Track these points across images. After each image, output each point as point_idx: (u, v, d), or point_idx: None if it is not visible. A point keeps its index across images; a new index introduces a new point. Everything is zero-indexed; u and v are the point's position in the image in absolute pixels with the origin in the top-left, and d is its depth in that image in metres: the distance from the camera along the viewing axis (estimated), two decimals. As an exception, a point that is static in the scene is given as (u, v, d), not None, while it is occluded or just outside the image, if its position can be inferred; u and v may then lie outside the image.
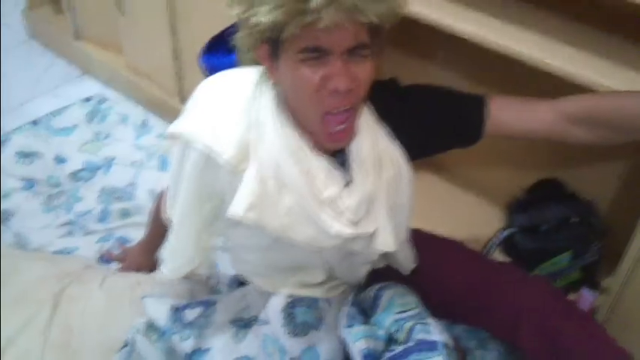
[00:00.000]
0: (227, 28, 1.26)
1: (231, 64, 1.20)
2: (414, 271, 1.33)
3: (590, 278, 1.55)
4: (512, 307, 1.27)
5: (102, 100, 2.26)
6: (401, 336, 1.25)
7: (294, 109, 1.07)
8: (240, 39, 1.05)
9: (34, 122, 2.13)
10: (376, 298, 1.33)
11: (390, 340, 1.27)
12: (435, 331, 1.24)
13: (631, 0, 1.13)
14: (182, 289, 1.46)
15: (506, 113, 1.17)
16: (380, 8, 0.95)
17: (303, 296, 1.28)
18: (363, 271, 1.31)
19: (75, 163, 1.98)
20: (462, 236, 1.66)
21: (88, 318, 1.36)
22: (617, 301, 1.39)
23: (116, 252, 1.65)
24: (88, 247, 1.69)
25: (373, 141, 1.11)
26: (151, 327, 1.32)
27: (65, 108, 2.21)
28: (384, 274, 1.36)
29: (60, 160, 1.99)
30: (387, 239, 1.15)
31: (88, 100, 2.26)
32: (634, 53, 1.30)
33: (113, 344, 1.32)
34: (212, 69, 1.32)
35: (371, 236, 1.15)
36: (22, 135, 2.05)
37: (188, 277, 1.53)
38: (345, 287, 1.34)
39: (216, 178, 1.09)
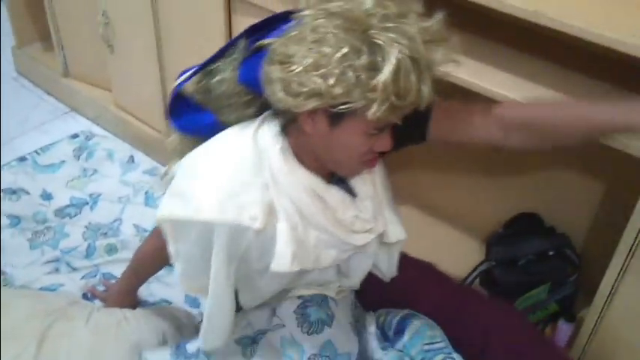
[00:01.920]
0: (182, 82, 1.24)
1: (206, 122, 1.23)
2: (389, 285, 1.39)
3: (567, 311, 1.58)
4: (480, 327, 1.31)
5: (89, 137, 2.28)
6: None
7: (321, 155, 1.13)
8: (276, 93, 1.05)
9: (21, 158, 2.15)
10: (402, 325, 1.36)
11: None
12: None
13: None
14: (169, 327, 1.48)
15: (449, 118, 1.22)
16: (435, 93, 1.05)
17: (312, 295, 1.33)
18: (366, 266, 1.35)
19: (61, 199, 2.00)
20: (441, 268, 1.69)
21: (74, 354, 1.36)
22: (593, 333, 1.42)
23: (100, 288, 1.66)
24: (73, 283, 1.69)
25: None
26: None
27: (52, 144, 2.23)
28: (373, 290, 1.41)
29: (46, 196, 2.01)
30: (397, 230, 1.29)
31: (75, 136, 2.28)
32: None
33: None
34: (187, 129, 1.29)
35: (382, 234, 1.27)
36: (9, 171, 2.07)
37: (174, 314, 1.55)
38: (347, 291, 1.40)
39: (242, 241, 1.12)
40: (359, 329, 1.40)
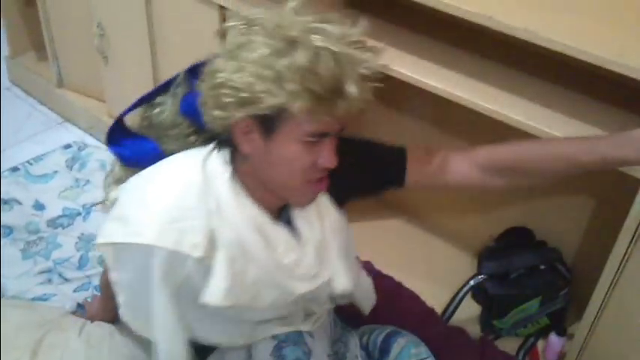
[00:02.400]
0: (123, 113, 1.24)
1: (148, 149, 1.20)
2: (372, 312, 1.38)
3: (558, 324, 1.59)
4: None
5: (82, 147, 2.29)
6: None
7: (266, 180, 1.08)
8: (209, 112, 1.04)
9: (14, 169, 2.14)
10: (387, 344, 1.35)
11: None
12: None
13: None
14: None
15: (424, 165, 1.22)
16: (368, 95, 1.03)
17: (287, 333, 1.28)
18: (329, 305, 1.33)
19: (54, 209, 2.00)
20: (433, 282, 1.71)
21: (67, 367, 1.36)
22: (584, 347, 1.43)
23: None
24: (65, 295, 1.69)
25: None
26: None
27: (45, 154, 2.23)
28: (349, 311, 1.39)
29: (39, 206, 2.01)
30: (344, 281, 1.21)
31: (68, 146, 2.28)
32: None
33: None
34: (129, 158, 1.25)
35: (328, 281, 1.20)
36: (2, 181, 2.07)
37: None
38: (323, 319, 1.35)
39: (182, 269, 1.08)
40: (341, 352, 1.38)
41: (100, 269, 1.78)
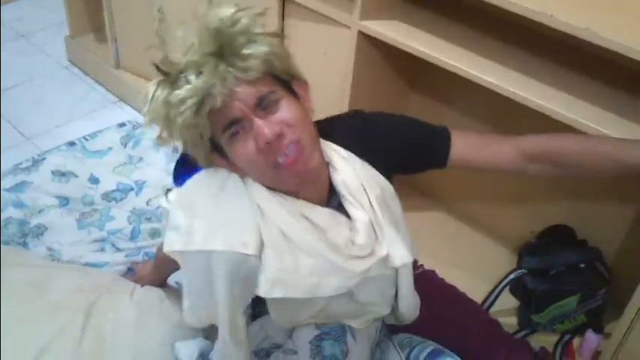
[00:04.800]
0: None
1: None
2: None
3: (596, 322, 1.61)
4: None
5: (136, 126, 2.36)
6: None
7: (267, 183, 1.12)
8: (194, 156, 1.12)
9: (71, 143, 2.22)
10: None
11: None
12: None
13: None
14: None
15: (469, 146, 1.23)
16: (252, 63, 1.03)
17: (331, 326, 1.30)
18: (383, 292, 1.31)
19: (108, 184, 2.07)
20: (472, 275, 1.72)
21: (119, 328, 1.41)
22: (620, 346, 1.44)
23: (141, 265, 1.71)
24: (117, 262, 1.76)
25: (352, 170, 1.17)
26: None
27: (101, 131, 2.31)
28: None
29: (94, 180, 2.08)
30: (401, 254, 1.19)
31: (122, 125, 2.36)
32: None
33: (144, 355, 1.38)
34: None
35: (386, 257, 1.19)
36: (59, 155, 2.15)
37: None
38: (369, 323, 1.35)
39: (242, 268, 1.11)
40: (377, 358, 1.38)
41: (152, 241, 1.85)
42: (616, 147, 1.17)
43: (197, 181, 1.16)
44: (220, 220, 1.10)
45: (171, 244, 1.13)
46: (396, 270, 1.24)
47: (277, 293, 1.12)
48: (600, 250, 1.67)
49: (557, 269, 1.63)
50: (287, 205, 1.13)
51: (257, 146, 1.04)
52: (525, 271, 1.65)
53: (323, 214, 1.16)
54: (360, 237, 1.16)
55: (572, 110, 1.34)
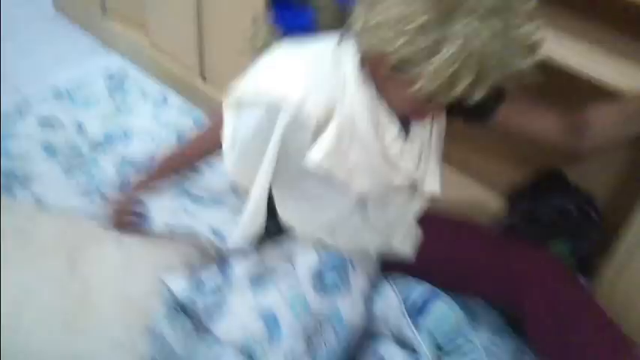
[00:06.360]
0: None
1: (306, 21, 1.28)
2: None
3: (586, 268, 1.60)
4: (518, 271, 1.34)
5: (124, 75, 2.32)
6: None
7: (385, 95, 1.16)
8: (357, 37, 1.11)
9: (57, 92, 2.19)
10: (426, 305, 1.38)
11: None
12: None
13: None
14: (194, 254, 1.52)
15: (517, 112, 1.26)
16: None
17: (331, 255, 1.34)
18: (399, 215, 1.38)
19: (95, 133, 2.05)
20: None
21: (106, 274, 1.41)
22: (610, 291, 1.45)
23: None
24: (105, 212, 1.73)
25: None
26: (173, 310, 1.36)
27: (88, 81, 2.27)
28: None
29: (81, 129, 2.06)
30: (434, 183, 1.33)
31: (110, 74, 2.32)
32: None
33: (131, 300, 1.38)
34: (286, 25, 1.33)
35: (421, 180, 1.30)
36: (45, 104, 2.12)
37: (200, 242, 1.59)
38: (366, 253, 1.41)
39: (299, 135, 1.15)
40: (374, 297, 1.41)
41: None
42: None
43: (290, 47, 1.20)
44: (304, 80, 1.13)
45: (244, 90, 1.17)
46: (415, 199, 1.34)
47: (325, 165, 1.16)
48: (592, 195, 1.65)
49: (547, 214, 1.62)
50: (369, 100, 1.16)
51: (418, 109, 1.13)
52: (515, 217, 1.64)
53: (390, 125, 1.20)
54: (412, 153, 1.25)
55: None
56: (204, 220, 1.57)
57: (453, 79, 0.98)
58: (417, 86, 1.01)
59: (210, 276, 1.40)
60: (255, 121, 1.17)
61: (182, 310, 1.37)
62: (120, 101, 2.21)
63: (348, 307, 1.33)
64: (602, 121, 1.27)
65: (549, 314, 1.30)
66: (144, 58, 2.39)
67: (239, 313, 1.32)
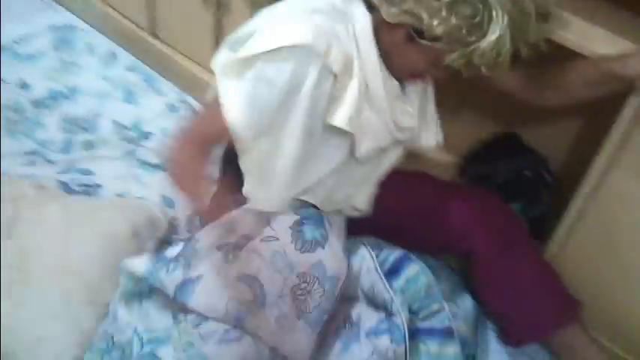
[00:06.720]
0: None
1: None
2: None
3: (538, 230, 1.60)
4: (467, 214, 1.38)
5: (71, 30, 2.22)
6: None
7: (385, 50, 1.17)
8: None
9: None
10: (397, 267, 1.39)
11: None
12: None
13: None
14: (143, 220, 1.46)
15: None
16: None
17: (309, 213, 1.34)
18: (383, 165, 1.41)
19: (39, 90, 1.96)
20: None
21: (45, 240, 1.35)
22: (561, 252, 1.46)
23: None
24: (49, 177, 1.66)
25: None
26: (129, 292, 1.30)
27: (32, 35, 2.17)
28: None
29: (24, 86, 1.97)
30: (430, 137, 1.40)
31: (56, 28, 2.22)
32: None
33: (72, 266, 1.32)
34: None
35: (418, 133, 1.36)
36: (-13, 60, 2.02)
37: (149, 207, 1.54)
38: (338, 210, 1.42)
39: (321, 88, 1.13)
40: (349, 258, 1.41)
41: (85, 154, 1.75)
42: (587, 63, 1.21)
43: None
44: (323, 26, 1.10)
45: (264, 43, 1.09)
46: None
47: (350, 128, 1.18)
48: (547, 157, 1.64)
49: (501, 176, 1.61)
50: (379, 62, 1.18)
51: (427, 70, 1.17)
52: (469, 179, 1.63)
53: (395, 88, 1.24)
54: (413, 106, 1.30)
55: None
56: (154, 189, 1.53)
57: (486, 59, 1.04)
58: (449, 58, 1.05)
59: (176, 250, 1.32)
60: (285, 76, 1.11)
61: (150, 290, 1.29)
62: (66, 56, 2.12)
63: (331, 260, 1.32)
64: (561, 80, 1.29)
65: (502, 255, 1.36)
66: (91, 11, 2.29)
67: (216, 283, 1.24)
